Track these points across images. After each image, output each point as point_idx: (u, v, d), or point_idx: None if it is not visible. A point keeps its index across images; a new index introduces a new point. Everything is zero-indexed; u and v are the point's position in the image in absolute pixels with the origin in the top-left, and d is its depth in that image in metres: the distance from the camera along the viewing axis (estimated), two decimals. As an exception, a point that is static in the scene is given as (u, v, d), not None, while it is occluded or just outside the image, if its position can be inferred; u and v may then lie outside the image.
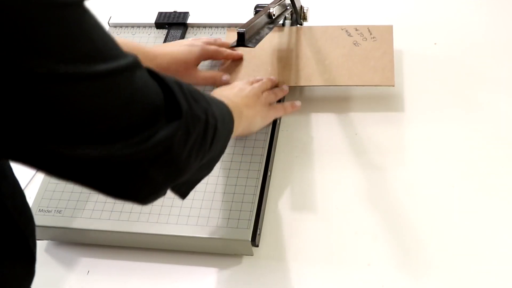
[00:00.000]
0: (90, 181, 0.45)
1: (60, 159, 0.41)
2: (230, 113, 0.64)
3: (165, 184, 0.51)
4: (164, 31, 0.99)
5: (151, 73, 0.48)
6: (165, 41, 0.96)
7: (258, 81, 0.83)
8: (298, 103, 0.85)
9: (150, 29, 1.00)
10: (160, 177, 0.48)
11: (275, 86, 0.86)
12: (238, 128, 0.71)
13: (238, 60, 0.90)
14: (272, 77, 0.86)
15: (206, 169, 0.62)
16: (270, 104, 0.82)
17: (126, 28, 1.01)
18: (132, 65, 0.43)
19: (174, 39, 0.96)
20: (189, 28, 0.99)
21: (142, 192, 0.49)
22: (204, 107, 0.53)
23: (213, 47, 0.88)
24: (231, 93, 0.75)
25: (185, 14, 0.99)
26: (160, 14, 1.00)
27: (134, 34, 0.99)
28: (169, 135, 0.46)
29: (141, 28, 1.00)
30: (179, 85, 0.50)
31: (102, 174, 0.44)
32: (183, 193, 0.62)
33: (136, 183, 0.47)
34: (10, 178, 0.51)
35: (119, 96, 0.42)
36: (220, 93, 0.75)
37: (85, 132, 0.41)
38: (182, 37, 0.97)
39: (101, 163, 0.43)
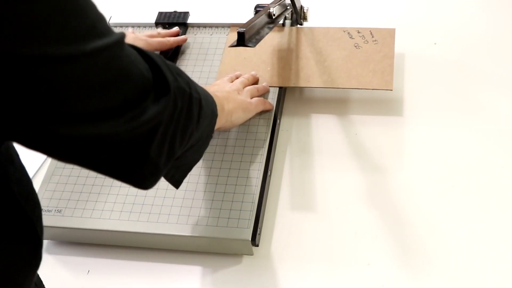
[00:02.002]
0: (90, 161, 0.46)
1: (58, 139, 0.42)
2: (212, 97, 0.65)
3: (164, 162, 0.52)
4: None
5: (136, 48, 0.49)
6: None
7: (238, 76, 0.86)
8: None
9: (150, 29, 1.00)
10: (157, 154, 0.49)
11: (255, 82, 0.87)
12: (221, 119, 0.72)
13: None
14: (253, 72, 0.88)
15: (196, 153, 0.63)
16: (252, 98, 0.83)
17: (126, 28, 1.01)
18: (122, 40, 0.43)
19: None
20: (189, 28, 0.99)
21: (143, 173, 0.50)
22: (186, 80, 0.54)
23: (156, 39, 0.91)
24: (212, 89, 0.75)
25: (185, 14, 0.99)
26: (160, 14, 1.00)
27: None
28: (160, 110, 0.47)
29: (141, 28, 1.00)
30: (163, 60, 0.51)
31: (101, 153, 0.45)
32: (176, 181, 0.63)
33: (136, 163, 0.48)
34: (17, 163, 0.51)
35: (111, 72, 0.42)
36: None
37: (78, 110, 0.41)
38: None
39: (98, 141, 0.43)
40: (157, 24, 0.99)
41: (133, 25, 1.01)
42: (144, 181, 0.52)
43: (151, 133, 0.47)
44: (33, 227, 0.52)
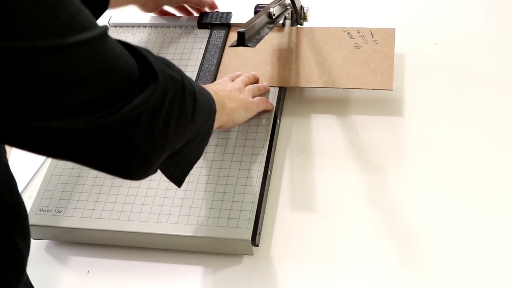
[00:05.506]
0: (77, 156, 0.45)
1: (38, 134, 0.41)
2: (209, 93, 0.64)
3: (156, 152, 0.51)
4: (204, 31, 0.97)
5: (122, 43, 0.48)
6: (208, 41, 0.94)
7: (237, 76, 0.86)
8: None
9: (150, 29, 1.00)
10: (147, 144, 0.48)
11: (256, 82, 0.87)
12: (222, 118, 0.72)
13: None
14: (253, 72, 0.87)
15: (195, 149, 0.62)
16: (253, 97, 0.83)
17: (126, 28, 1.01)
18: (104, 34, 0.43)
19: (217, 39, 0.94)
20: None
21: (132, 164, 0.49)
22: (179, 72, 0.53)
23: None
24: (213, 87, 0.75)
25: (228, 14, 0.97)
26: (202, 14, 0.98)
27: (134, 34, 0.99)
28: (145, 97, 0.46)
29: (141, 28, 1.00)
30: (151, 53, 0.50)
31: (87, 147, 0.44)
32: (177, 179, 0.62)
33: (124, 153, 0.47)
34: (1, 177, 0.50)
35: (93, 65, 0.42)
36: None
37: (59, 104, 0.40)
38: (226, 38, 0.94)
39: (82, 135, 0.43)
40: (200, 24, 0.97)
41: (133, 25, 1.01)
42: (133, 172, 0.50)
43: (135, 120, 0.46)
44: (12, 240, 0.51)
